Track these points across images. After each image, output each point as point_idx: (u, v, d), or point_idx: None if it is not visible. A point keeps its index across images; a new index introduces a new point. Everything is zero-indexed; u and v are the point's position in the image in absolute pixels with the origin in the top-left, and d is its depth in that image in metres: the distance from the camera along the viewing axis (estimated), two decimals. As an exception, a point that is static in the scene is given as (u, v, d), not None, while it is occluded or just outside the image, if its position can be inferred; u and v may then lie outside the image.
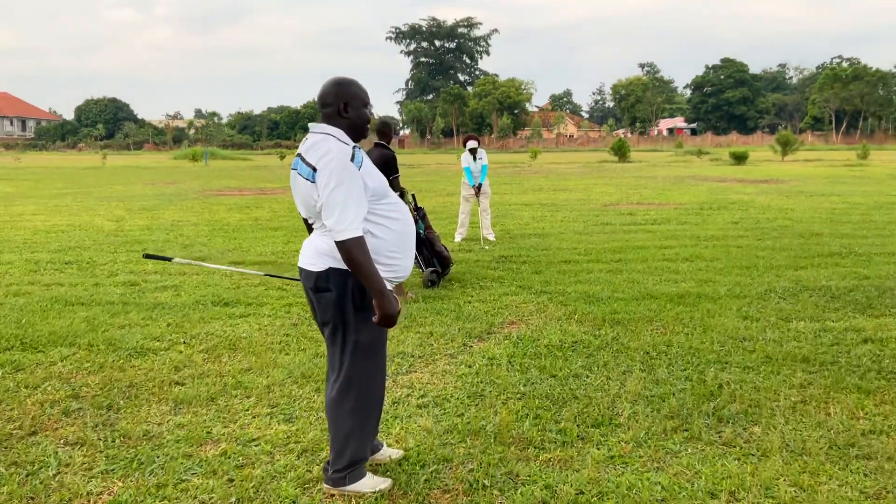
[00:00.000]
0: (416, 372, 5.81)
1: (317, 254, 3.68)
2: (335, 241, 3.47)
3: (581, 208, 17.73)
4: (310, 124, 3.73)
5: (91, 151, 74.09)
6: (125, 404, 5.14)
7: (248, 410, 5.02)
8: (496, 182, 25.47)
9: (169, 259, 5.67)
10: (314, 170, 3.54)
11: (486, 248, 11.90)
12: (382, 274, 3.57)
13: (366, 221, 3.55)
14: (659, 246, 11.67)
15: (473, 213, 13.30)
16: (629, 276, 9.39)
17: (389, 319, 3.50)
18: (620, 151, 49.99)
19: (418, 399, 5.22)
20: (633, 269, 9.92)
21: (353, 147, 3.64)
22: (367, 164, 3.67)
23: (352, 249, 3.43)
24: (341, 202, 3.44)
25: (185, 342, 6.63)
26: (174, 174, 38.54)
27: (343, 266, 3.57)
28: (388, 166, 8.12)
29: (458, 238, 12.74)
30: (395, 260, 3.71)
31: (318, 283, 3.65)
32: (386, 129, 8.37)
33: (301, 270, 3.76)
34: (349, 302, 3.63)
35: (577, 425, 4.69)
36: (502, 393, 5.30)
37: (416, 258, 9.12)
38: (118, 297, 8.41)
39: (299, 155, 3.66)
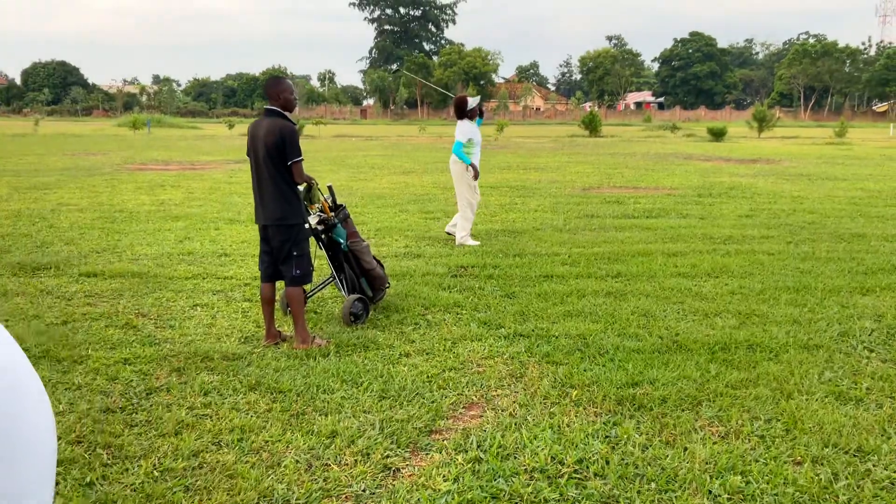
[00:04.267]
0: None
1: None
2: None
3: (557, 193, 14.92)
4: None
5: (36, 117, 69.28)
6: None
7: None
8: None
9: None
10: None
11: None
12: None
13: None
14: (666, 252, 8.91)
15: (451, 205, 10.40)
16: (638, 305, 6.62)
17: None
18: (591, 125, 47.26)
19: None
20: (639, 290, 7.16)
21: None
22: None
23: None
24: None
25: None
26: (107, 143, 34.97)
27: None
28: (283, 145, 5.23)
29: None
30: None
31: None
32: (279, 87, 5.43)
33: None
34: None
35: None
36: None
37: (336, 280, 6.27)
38: None
39: None
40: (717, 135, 39.73)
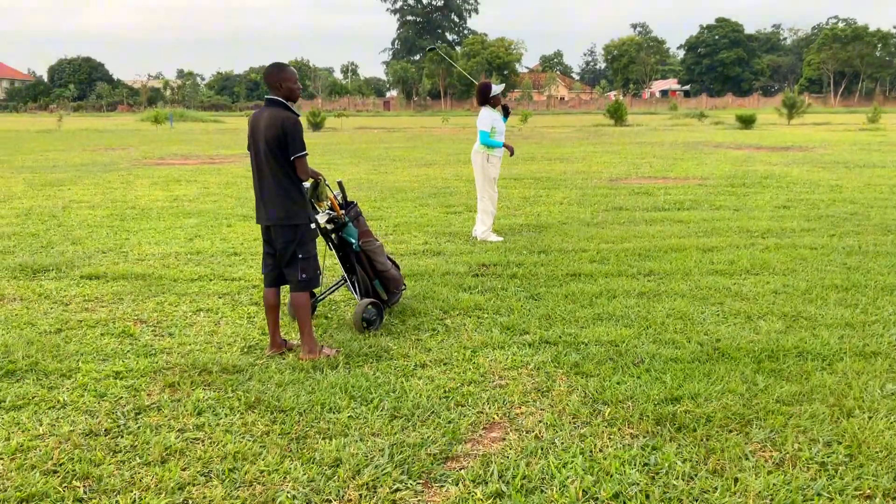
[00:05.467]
0: None
1: None
2: None
3: (583, 185, 14.38)
4: None
5: (60, 113, 69.67)
6: None
7: None
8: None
9: None
10: None
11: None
12: None
13: None
14: (701, 247, 8.38)
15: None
16: (673, 307, 6.12)
17: None
18: (617, 114, 46.44)
19: None
20: (674, 290, 6.64)
21: None
22: None
23: None
24: None
25: None
26: (128, 138, 34.83)
27: None
28: (285, 138, 4.79)
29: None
30: None
31: None
32: (280, 75, 4.96)
33: None
34: None
35: None
36: None
37: (347, 283, 5.85)
38: None
39: None
40: (747, 122, 38.80)
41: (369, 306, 5.63)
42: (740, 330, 5.53)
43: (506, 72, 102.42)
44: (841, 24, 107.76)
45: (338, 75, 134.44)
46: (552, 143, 27.58)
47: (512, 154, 9.18)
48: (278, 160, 4.82)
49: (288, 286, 5.15)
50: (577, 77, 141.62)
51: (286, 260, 4.97)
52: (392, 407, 4.20)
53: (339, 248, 5.79)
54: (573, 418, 4.07)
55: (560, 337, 5.38)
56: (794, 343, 5.17)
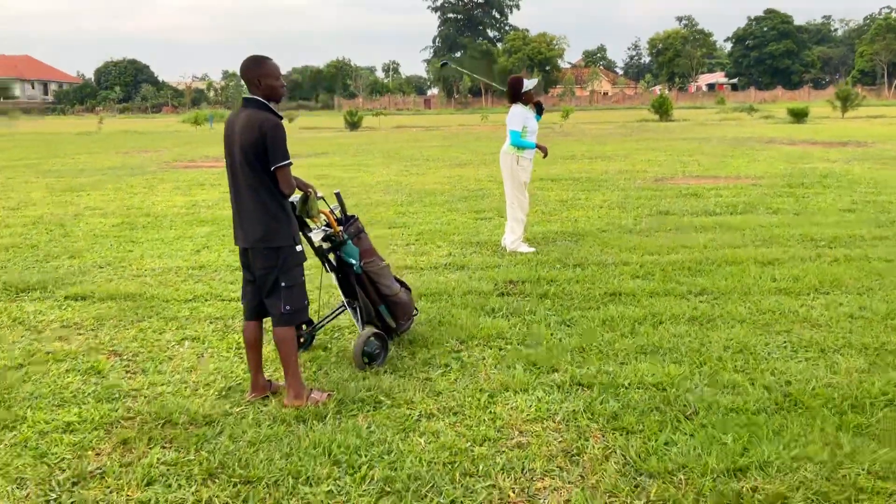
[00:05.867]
0: None
1: None
2: None
3: (626, 186, 13.40)
4: None
5: (101, 115, 70.34)
6: None
7: None
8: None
9: None
10: None
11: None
12: None
13: None
14: (759, 259, 7.41)
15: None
16: (731, 336, 5.21)
17: None
18: (662, 109, 45.05)
19: None
20: (730, 314, 5.72)
21: None
22: None
23: None
24: None
25: None
26: (165, 140, 34.62)
27: None
28: (264, 145, 4.02)
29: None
30: None
31: None
32: (259, 70, 4.18)
33: None
34: None
35: None
36: None
37: (348, 309, 5.07)
38: None
39: None
40: (799, 116, 37.20)
41: (372, 338, 4.83)
42: (814, 368, 4.61)
43: (547, 67, 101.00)
44: (894, 15, 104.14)
45: (379, 74, 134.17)
46: (593, 141, 26.52)
47: (545, 156, 8.33)
48: (256, 171, 4.05)
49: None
50: (620, 72, 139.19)
51: (267, 289, 4.19)
52: (383, 478, 3.39)
53: (337, 270, 5.00)
54: (610, 497, 3.22)
55: (595, 377, 4.51)
56: (881, 387, 4.24)
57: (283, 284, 4.15)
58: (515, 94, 8.09)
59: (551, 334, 5.35)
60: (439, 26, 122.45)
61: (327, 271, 5.00)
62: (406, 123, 51.88)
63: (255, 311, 4.34)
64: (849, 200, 10.95)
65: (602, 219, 10.04)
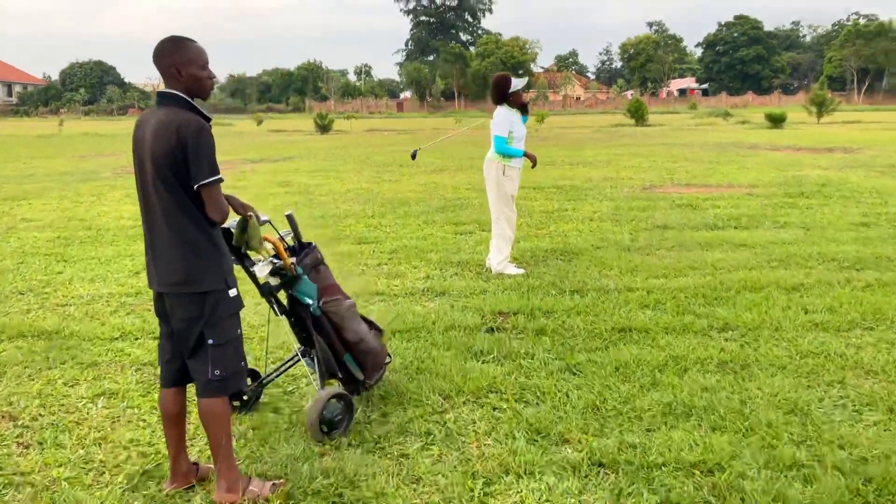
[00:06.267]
0: None
1: None
2: None
3: (613, 195, 12.47)
4: None
5: (62, 117, 68.34)
6: None
7: None
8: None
9: None
10: None
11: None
12: None
13: None
14: (782, 284, 6.47)
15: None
16: (774, 389, 4.25)
17: None
18: (637, 114, 44.35)
19: None
20: (767, 357, 4.76)
21: None
22: None
23: None
24: None
25: None
26: (126, 143, 33.04)
27: None
28: (184, 155, 2.98)
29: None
30: None
31: None
32: (177, 56, 3.14)
33: None
34: None
35: None
36: None
37: (303, 360, 4.03)
38: None
39: None
40: (776, 121, 36.62)
41: (332, 400, 3.79)
42: (887, 435, 3.66)
43: (520, 71, 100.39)
44: (862, 21, 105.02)
45: (351, 77, 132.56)
46: (572, 145, 25.63)
47: (534, 165, 7.35)
48: (174, 190, 3.01)
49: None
50: (592, 76, 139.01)
51: (189, 347, 3.15)
52: None
53: (289, 313, 3.96)
54: None
55: (619, 452, 3.52)
56: None
57: (210, 342, 3.11)
58: (501, 95, 7.09)
59: (555, 386, 4.35)
60: (412, 29, 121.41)
61: (277, 315, 3.95)
62: (378, 127, 50.75)
63: (176, 375, 3.28)
64: (858, 213, 10.09)
65: (594, 233, 9.08)
